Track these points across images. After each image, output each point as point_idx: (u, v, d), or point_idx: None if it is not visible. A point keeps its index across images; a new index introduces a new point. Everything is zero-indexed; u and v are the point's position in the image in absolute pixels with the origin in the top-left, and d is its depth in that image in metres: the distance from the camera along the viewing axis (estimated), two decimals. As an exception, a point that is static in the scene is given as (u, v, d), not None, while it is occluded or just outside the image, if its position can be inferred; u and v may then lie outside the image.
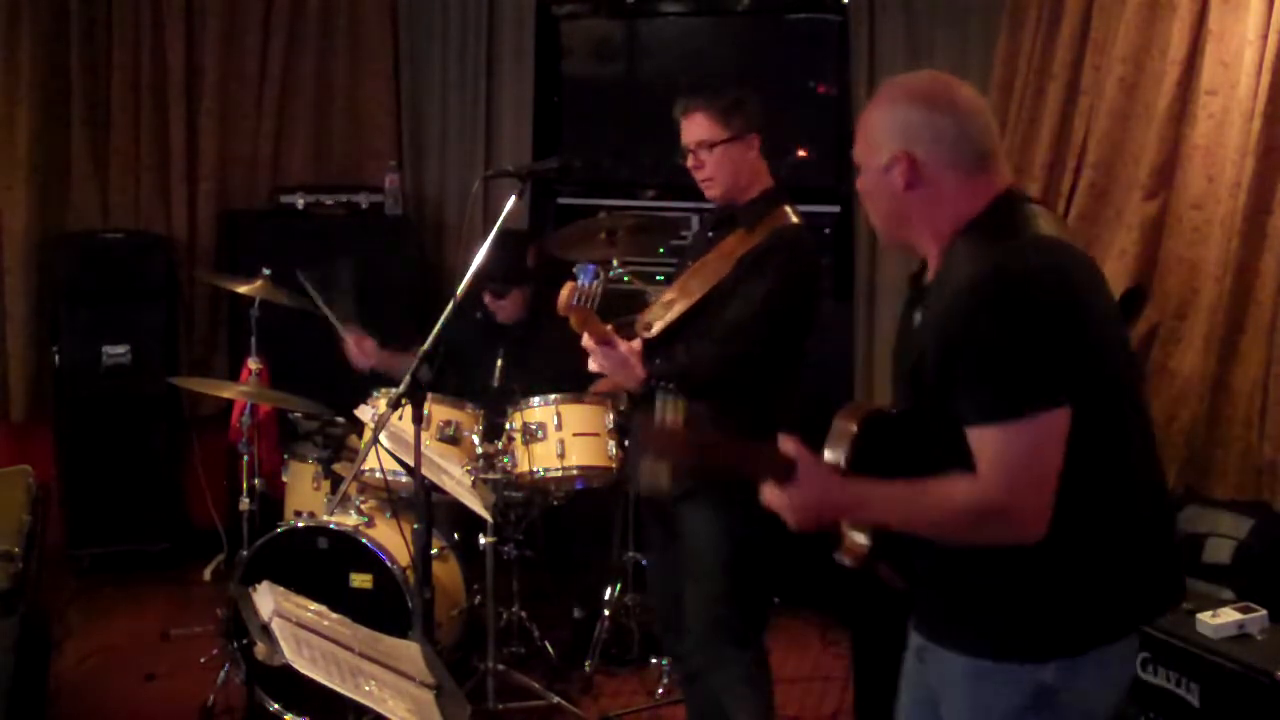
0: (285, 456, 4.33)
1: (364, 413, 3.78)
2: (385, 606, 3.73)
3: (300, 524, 3.94)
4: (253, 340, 4.24)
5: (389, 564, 3.81)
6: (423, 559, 3.11)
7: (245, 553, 3.99)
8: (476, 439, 4.02)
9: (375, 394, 3.99)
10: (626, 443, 3.95)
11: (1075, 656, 2.04)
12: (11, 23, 5.09)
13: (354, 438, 4.25)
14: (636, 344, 3.31)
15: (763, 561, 3.29)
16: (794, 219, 3.26)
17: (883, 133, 2.11)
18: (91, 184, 5.32)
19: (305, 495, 4.22)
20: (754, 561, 3.27)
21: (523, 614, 4.41)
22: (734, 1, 5.54)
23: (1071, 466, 1.95)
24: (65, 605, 4.81)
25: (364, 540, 3.84)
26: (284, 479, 4.34)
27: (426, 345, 3.09)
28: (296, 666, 2.24)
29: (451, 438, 3.99)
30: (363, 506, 4.01)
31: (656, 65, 5.67)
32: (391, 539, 3.87)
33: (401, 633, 2.74)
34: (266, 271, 4.27)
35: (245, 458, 4.27)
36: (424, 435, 3.15)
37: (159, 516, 5.23)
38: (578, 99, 5.74)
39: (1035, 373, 1.92)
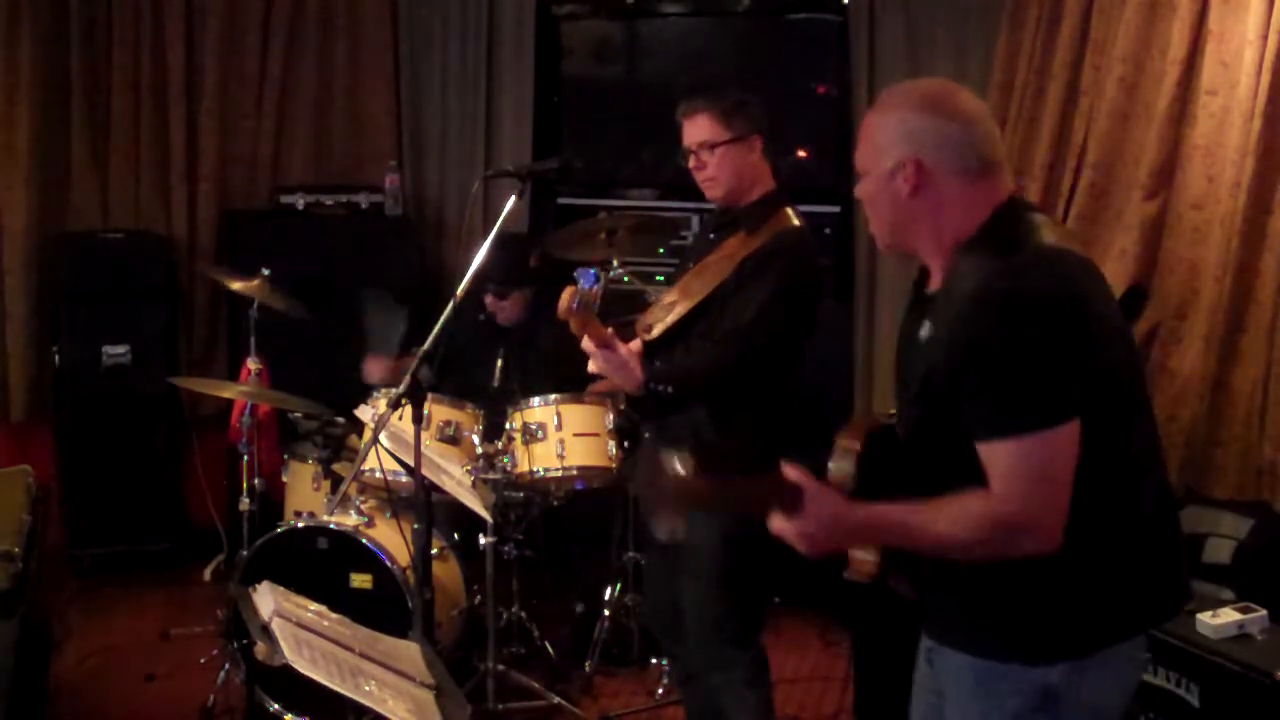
0: (285, 456, 4.33)
1: (364, 413, 3.78)
2: (385, 606, 3.73)
3: (300, 524, 3.94)
4: (252, 340, 4.24)
5: (389, 564, 3.81)
6: (423, 559, 3.11)
7: (245, 553, 3.99)
8: (476, 439, 4.02)
9: (375, 394, 3.99)
10: (626, 443, 3.95)
11: (1082, 659, 2.04)
12: (11, 23, 5.09)
13: (354, 438, 4.25)
14: (636, 346, 3.31)
15: (760, 562, 3.29)
16: (795, 222, 3.26)
17: (888, 139, 2.10)
18: (91, 184, 5.32)
19: (305, 495, 4.21)
20: (752, 562, 3.27)
21: (523, 614, 4.41)
22: (734, 1, 5.54)
23: (1079, 473, 1.95)
24: (65, 605, 4.81)
25: (364, 540, 3.84)
26: (284, 479, 4.34)
27: (426, 345, 3.09)
28: (296, 666, 2.24)
29: (451, 438, 3.99)
30: (363, 506, 4.01)
31: (656, 65, 5.67)
32: (391, 539, 3.87)
33: (401, 633, 2.74)
34: (266, 271, 4.27)
35: (245, 458, 4.27)
36: (424, 435, 3.15)
37: (159, 516, 5.23)
38: (578, 99, 5.74)
39: (1046, 386, 1.92)
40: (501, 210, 3.15)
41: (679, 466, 2.01)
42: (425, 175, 5.70)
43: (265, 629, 2.37)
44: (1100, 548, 2.01)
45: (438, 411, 3.98)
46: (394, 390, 3.14)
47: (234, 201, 5.50)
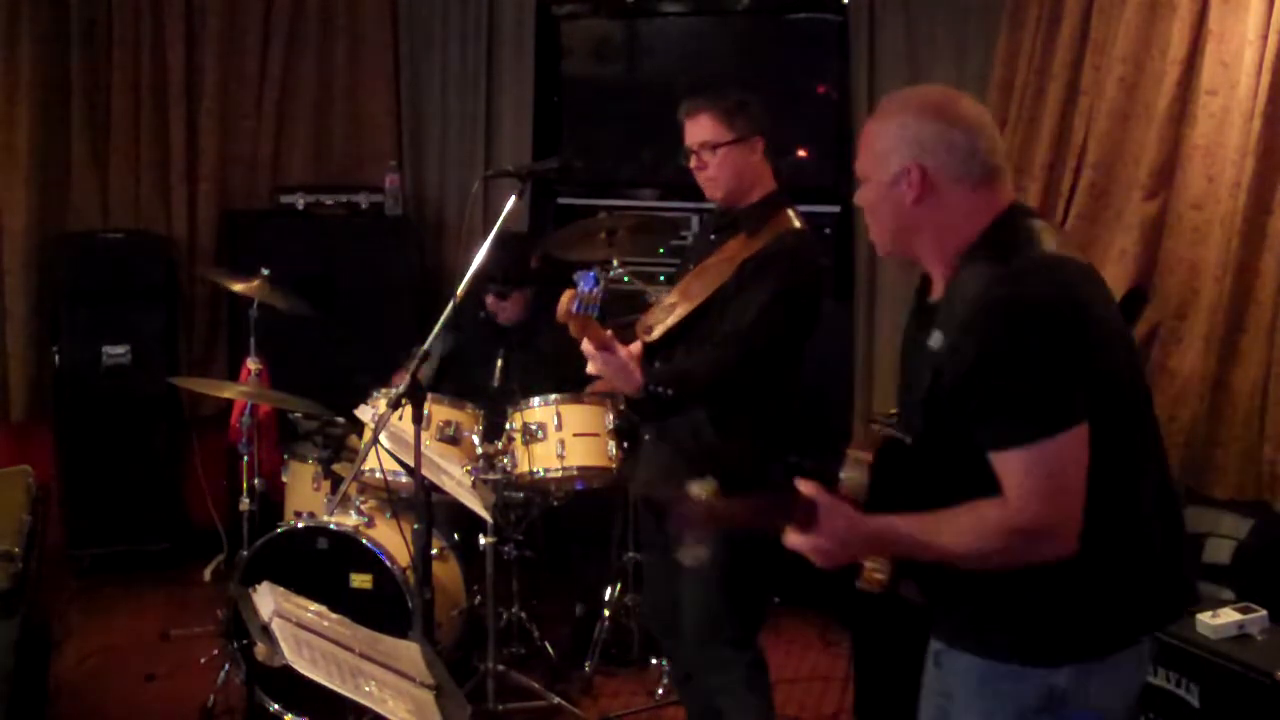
0: (285, 456, 4.33)
1: (364, 413, 3.78)
2: (385, 606, 3.73)
3: (300, 524, 3.94)
4: (252, 340, 4.24)
5: (389, 564, 3.81)
6: (423, 559, 3.11)
7: (245, 553, 3.98)
8: (476, 439, 4.02)
9: (375, 394, 3.99)
10: (626, 444, 3.95)
11: (1088, 662, 2.05)
12: (11, 23, 5.09)
13: (354, 438, 4.25)
14: (636, 348, 3.31)
15: (758, 563, 3.29)
16: (796, 224, 3.26)
17: (890, 145, 2.10)
18: (91, 184, 5.32)
19: (305, 495, 4.21)
20: (750, 563, 3.27)
21: (523, 614, 4.41)
22: (734, 1, 5.54)
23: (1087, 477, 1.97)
24: (65, 605, 4.81)
25: (364, 540, 3.84)
26: (284, 479, 4.34)
27: (426, 345, 3.09)
28: (296, 667, 2.24)
29: (451, 438, 3.99)
30: (363, 507, 4.01)
31: (656, 65, 5.67)
32: (391, 539, 3.87)
33: (401, 633, 2.73)
34: (266, 271, 4.27)
35: (245, 458, 4.27)
36: (424, 435, 3.15)
37: (159, 516, 5.23)
38: (578, 99, 5.74)
39: (1052, 393, 1.94)
40: (501, 210, 3.15)
41: (700, 491, 2.03)
42: (425, 175, 5.69)
43: (265, 629, 2.37)
44: (1108, 553, 2.02)
45: (438, 411, 3.98)
46: (394, 390, 3.14)
47: (234, 201, 5.50)
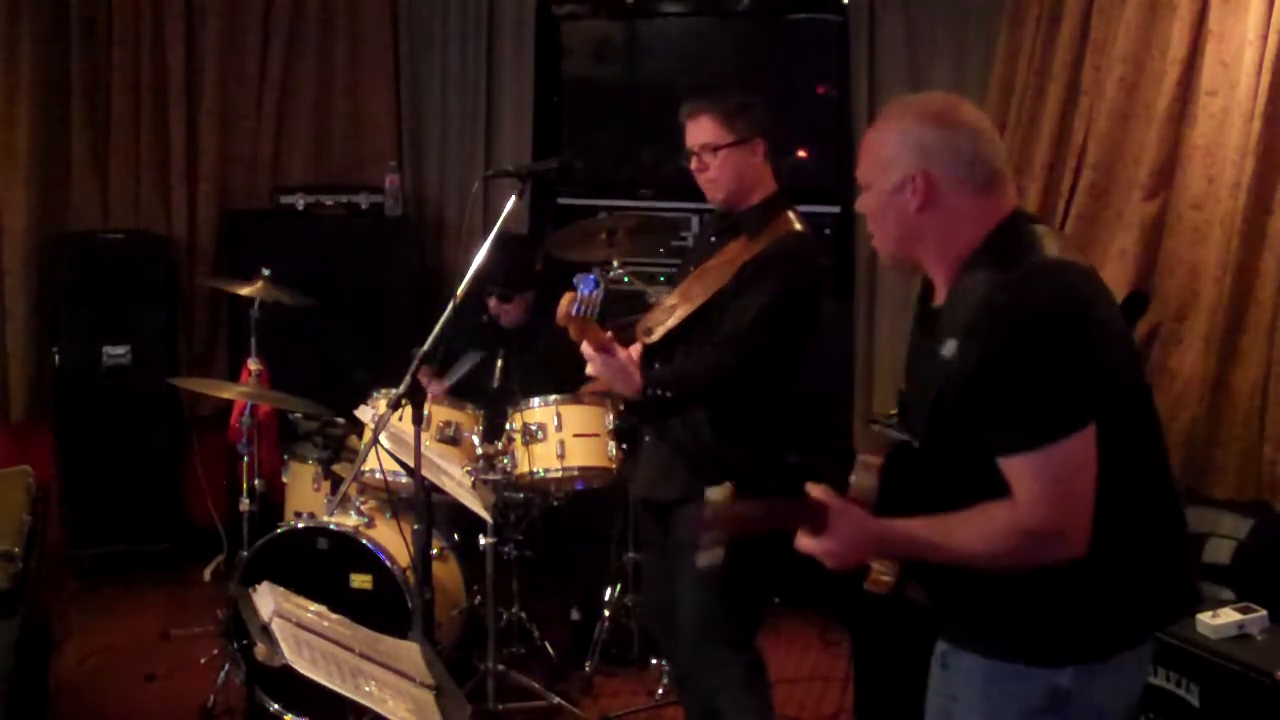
0: (285, 457, 4.33)
1: (364, 413, 3.78)
2: (385, 607, 3.73)
3: (300, 524, 3.94)
4: (253, 341, 4.24)
5: (389, 564, 3.81)
6: (423, 559, 3.11)
7: (245, 553, 3.99)
8: (476, 439, 4.02)
9: (375, 394, 3.99)
10: (625, 445, 3.95)
11: (1091, 663, 2.06)
12: (11, 23, 5.09)
13: (354, 438, 4.25)
14: (636, 350, 3.31)
15: (756, 565, 3.29)
16: (797, 226, 3.26)
17: (893, 152, 2.10)
18: (91, 184, 5.32)
19: (305, 496, 4.21)
20: (747, 565, 3.26)
21: (523, 614, 4.41)
22: (734, 2, 5.54)
23: None
24: (65, 605, 4.81)
25: (364, 541, 3.84)
26: (284, 479, 4.34)
27: (426, 345, 3.09)
28: (296, 667, 2.24)
29: (451, 438, 3.99)
30: (363, 507, 4.01)
31: (656, 66, 5.66)
32: (391, 539, 3.87)
33: (401, 633, 2.74)
34: (266, 272, 4.27)
35: (245, 458, 4.27)
36: (424, 436, 3.15)
37: (159, 516, 5.22)
38: (578, 99, 5.74)
39: (1058, 396, 1.95)
40: (501, 210, 3.15)
41: (717, 494, 2.05)
42: (425, 175, 5.69)
43: (265, 629, 2.37)
44: (1108, 551, 2.02)
45: (438, 412, 3.98)
46: (394, 390, 3.14)
47: (234, 201, 5.50)
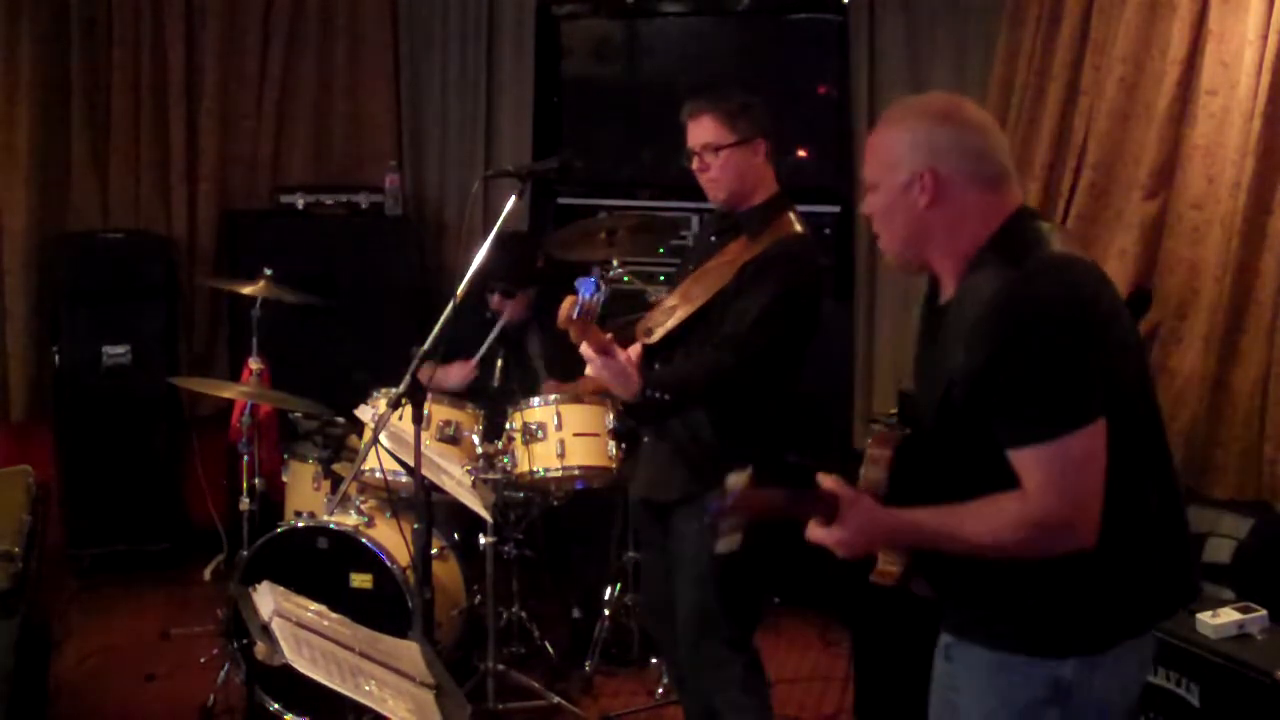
0: (285, 456, 4.33)
1: (364, 413, 3.78)
2: (385, 606, 3.73)
3: (300, 524, 3.94)
4: (254, 340, 4.24)
5: (389, 564, 3.81)
6: (423, 559, 3.11)
7: (245, 553, 3.98)
8: (476, 439, 4.02)
9: (375, 394, 3.99)
10: (624, 445, 3.94)
11: (1094, 654, 2.08)
12: (11, 23, 5.09)
13: (354, 438, 4.25)
14: (635, 351, 3.31)
15: (754, 566, 3.29)
16: (798, 228, 3.25)
17: (901, 151, 2.12)
18: (91, 184, 5.32)
19: (305, 495, 4.21)
20: (745, 566, 3.27)
21: (523, 614, 4.41)
22: (734, 1, 5.54)
23: None
24: (65, 605, 4.81)
25: (364, 540, 3.84)
26: (284, 479, 4.34)
27: (426, 345, 3.09)
28: (296, 666, 2.24)
29: (451, 438, 3.99)
30: (363, 506, 4.01)
31: (656, 65, 5.67)
32: (391, 539, 3.87)
33: (401, 633, 2.74)
34: (268, 271, 4.27)
35: (245, 458, 4.27)
36: (424, 435, 3.15)
37: (159, 516, 5.22)
38: (578, 99, 5.74)
39: (1069, 391, 1.97)
40: (501, 210, 3.15)
41: (736, 480, 2.07)
42: (425, 175, 5.69)
43: (265, 629, 2.37)
44: (1112, 544, 2.04)
45: (438, 411, 3.98)
46: (394, 390, 3.14)
47: (234, 201, 5.50)
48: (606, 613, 4.48)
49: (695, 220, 5.06)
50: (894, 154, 2.13)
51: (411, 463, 3.11)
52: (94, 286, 5.10)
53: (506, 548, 4.23)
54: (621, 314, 3.71)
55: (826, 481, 2.12)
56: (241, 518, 4.26)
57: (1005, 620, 2.12)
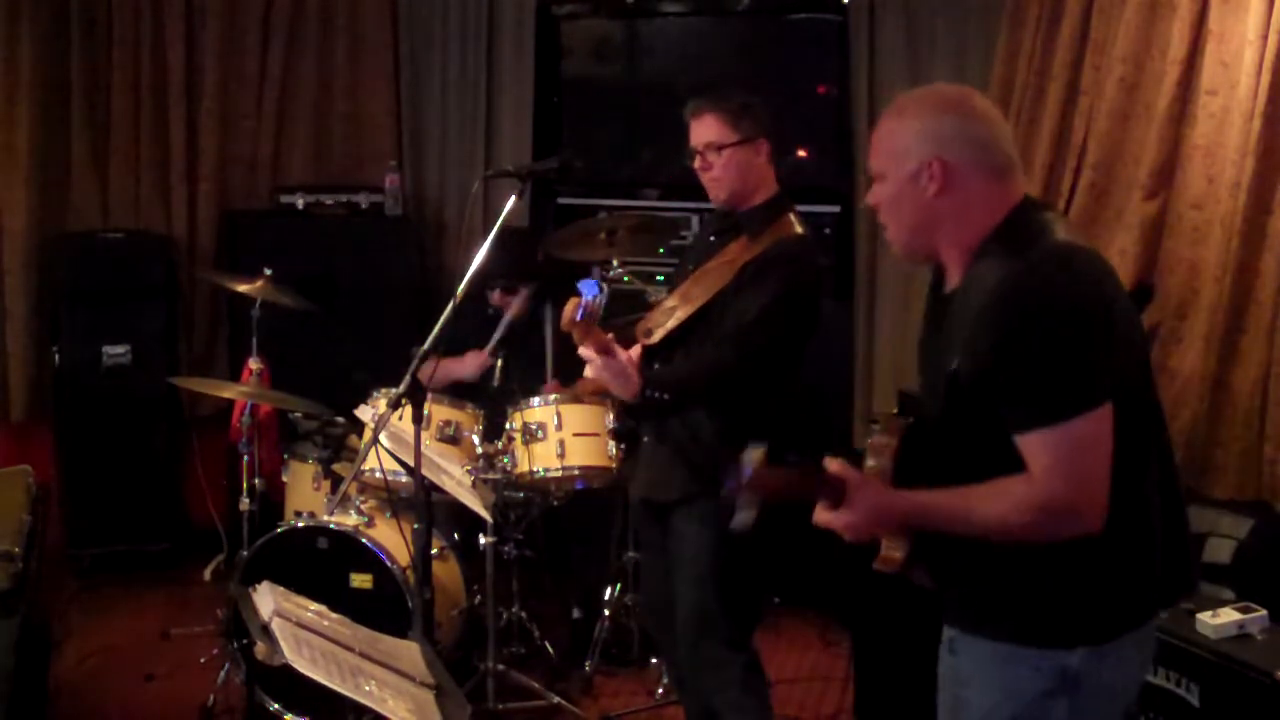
0: (285, 456, 4.33)
1: (364, 413, 3.78)
2: (385, 606, 3.73)
3: (300, 524, 3.94)
4: (254, 340, 4.24)
5: (389, 564, 3.81)
6: (423, 559, 3.11)
7: (245, 553, 3.98)
8: (476, 439, 4.02)
9: (375, 394, 3.99)
10: (624, 445, 3.94)
11: (1101, 644, 2.10)
12: (11, 23, 5.09)
13: (354, 438, 4.25)
14: (636, 351, 3.31)
15: (752, 566, 3.30)
16: (798, 229, 3.26)
17: (908, 142, 2.13)
18: (91, 184, 5.32)
19: (305, 495, 4.21)
20: (743, 567, 3.28)
21: (523, 614, 4.41)
22: (734, 1, 5.54)
23: None
24: (65, 605, 4.81)
25: (364, 540, 3.84)
26: (284, 479, 4.33)
27: (426, 344, 3.09)
28: (296, 666, 2.24)
29: (451, 438, 3.99)
30: (363, 506, 4.01)
31: (656, 65, 5.67)
32: (391, 539, 3.87)
33: (401, 633, 2.74)
34: (268, 271, 4.27)
35: (245, 458, 4.27)
36: (424, 435, 3.15)
37: (159, 516, 5.22)
38: (578, 99, 5.74)
39: (1079, 376, 1.99)
40: (501, 210, 3.15)
41: (752, 456, 2.07)
42: (425, 175, 5.69)
43: (265, 629, 2.37)
44: (1115, 533, 2.05)
45: (438, 411, 3.98)
46: (394, 390, 3.14)
47: (234, 201, 5.50)
48: (606, 613, 4.48)
49: (695, 220, 5.06)
50: (901, 144, 2.14)
51: (411, 463, 3.11)
52: (94, 286, 5.10)
53: (506, 548, 4.23)
54: (621, 314, 3.71)
55: (833, 465, 2.13)
56: (241, 518, 4.26)
57: (1010, 612, 2.13)
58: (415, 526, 3.10)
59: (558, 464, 3.90)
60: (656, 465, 3.37)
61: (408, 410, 3.07)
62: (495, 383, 4.44)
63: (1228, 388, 3.81)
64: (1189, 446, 3.83)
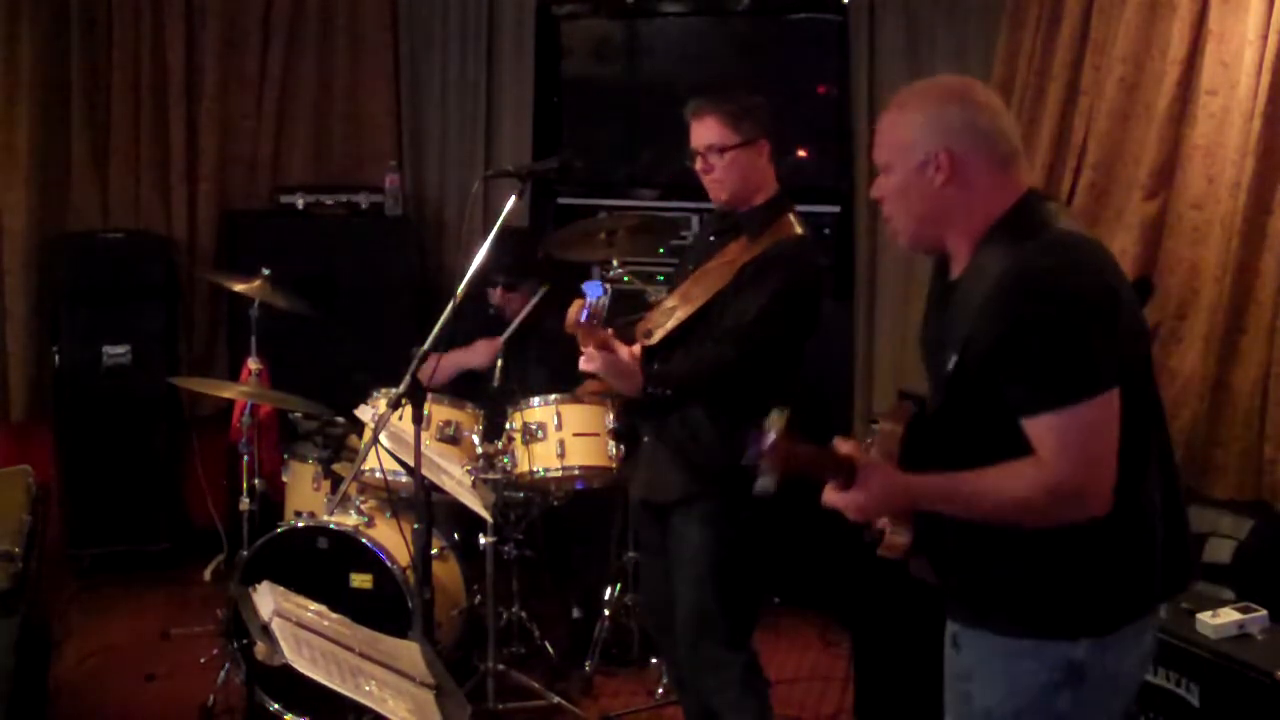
0: (285, 456, 4.33)
1: (364, 413, 3.78)
2: (385, 606, 3.73)
3: (300, 524, 3.94)
4: (253, 340, 4.24)
5: (389, 564, 3.81)
6: (423, 559, 3.11)
7: (245, 553, 3.99)
8: (476, 439, 4.02)
9: (375, 394, 3.99)
10: (623, 446, 3.94)
11: (1105, 635, 2.11)
12: (11, 23, 5.09)
13: (354, 438, 4.25)
14: (636, 349, 3.31)
15: (751, 567, 3.31)
16: (798, 229, 3.26)
17: (915, 133, 2.15)
18: (91, 184, 5.32)
19: (305, 495, 4.21)
20: (743, 567, 3.28)
21: (523, 614, 4.41)
22: (734, 1, 5.53)
23: None
24: (65, 605, 4.81)
25: (364, 540, 3.84)
26: (284, 479, 4.33)
27: (426, 344, 3.09)
28: (296, 666, 2.25)
29: (451, 438, 3.99)
30: (363, 506, 4.01)
31: (656, 65, 5.67)
32: (391, 539, 3.87)
33: (401, 633, 2.74)
34: (266, 271, 4.27)
35: (245, 458, 4.27)
36: (424, 435, 3.15)
37: (159, 516, 5.22)
38: (578, 99, 5.74)
39: (1086, 360, 2.00)
40: (501, 210, 3.15)
41: (775, 421, 2.08)
42: (425, 175, 5.69)
43: (265, 629, 2.37)
44: (1118, 523, 2.06)
45: (438, 411, 3.98)
46: (394, 390, 3.15)
47: (234, 201, 5.50)
48: (606, 613, 4.48)
49: (695, 220, 5.06)
50: (908, 136, 2.16)
51: (411, 463, 3.12)
52: (94, 286, 5.10)
53: (506, 548, 4.23)
54: (621, 314, 3.71)
55: (844, 446, 2.15)
56: (241, 518, 4.26)
57: (1014, 604, 2.14)
58: (415, 526, 3.10)
59: (558, 464, 3.90)
60: (656, 466, 3.37)
61: (408, 410, 3.07)
62: (495, 383, 4.45)
63: (1228, 388, 3.81)
64: (1189, 446, 3.83)
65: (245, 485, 4.27)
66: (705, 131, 3.24)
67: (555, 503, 4.23)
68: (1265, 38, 3.61)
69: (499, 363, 4.49)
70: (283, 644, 2.29)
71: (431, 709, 2.34)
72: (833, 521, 2.27)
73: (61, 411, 5.16)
